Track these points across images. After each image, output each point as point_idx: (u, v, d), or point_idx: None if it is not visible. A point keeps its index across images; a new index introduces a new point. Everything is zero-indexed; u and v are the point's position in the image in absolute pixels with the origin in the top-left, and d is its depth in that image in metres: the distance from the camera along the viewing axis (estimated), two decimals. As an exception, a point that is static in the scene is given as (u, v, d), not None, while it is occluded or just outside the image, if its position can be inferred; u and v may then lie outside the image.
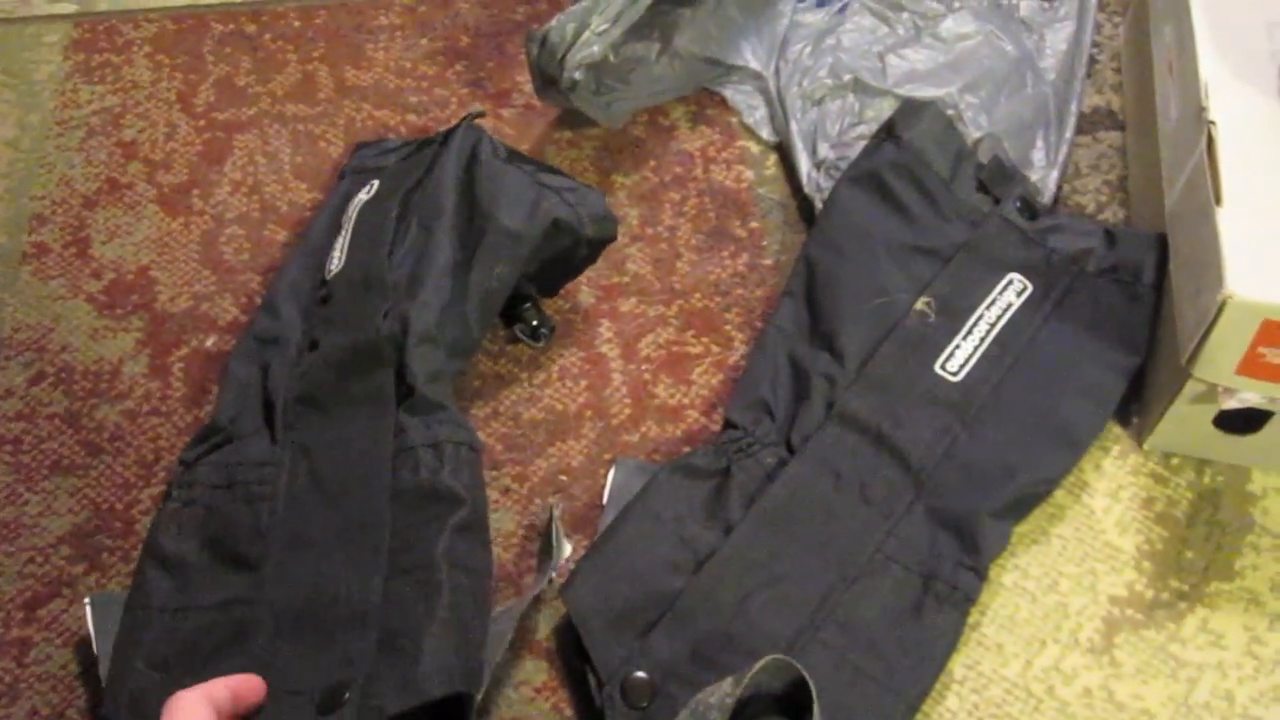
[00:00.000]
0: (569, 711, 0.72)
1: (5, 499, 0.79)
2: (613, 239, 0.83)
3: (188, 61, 1.00)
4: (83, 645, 0.73)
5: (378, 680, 0.65)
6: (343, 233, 0.81)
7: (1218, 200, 0.74)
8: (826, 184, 0.91)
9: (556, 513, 0.75)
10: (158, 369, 0.84)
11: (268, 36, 1.02)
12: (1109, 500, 0.80)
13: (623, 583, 0.72)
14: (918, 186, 0.87)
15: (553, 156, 0.94)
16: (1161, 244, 0.84)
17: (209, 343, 0.85)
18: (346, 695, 0.64)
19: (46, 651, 0.73)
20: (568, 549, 0.73)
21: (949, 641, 0.72)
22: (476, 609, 0.67)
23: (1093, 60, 1.01)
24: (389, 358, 0.75)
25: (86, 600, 0.70)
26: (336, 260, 0.80)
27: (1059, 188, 0.94)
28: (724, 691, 0.64)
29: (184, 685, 0.66)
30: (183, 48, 1.01)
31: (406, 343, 0.75)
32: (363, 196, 0.83)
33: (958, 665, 0.73)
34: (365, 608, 0.67)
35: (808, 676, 0.65)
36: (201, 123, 0.97)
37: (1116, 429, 0.83)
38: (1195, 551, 0.78)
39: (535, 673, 0.73)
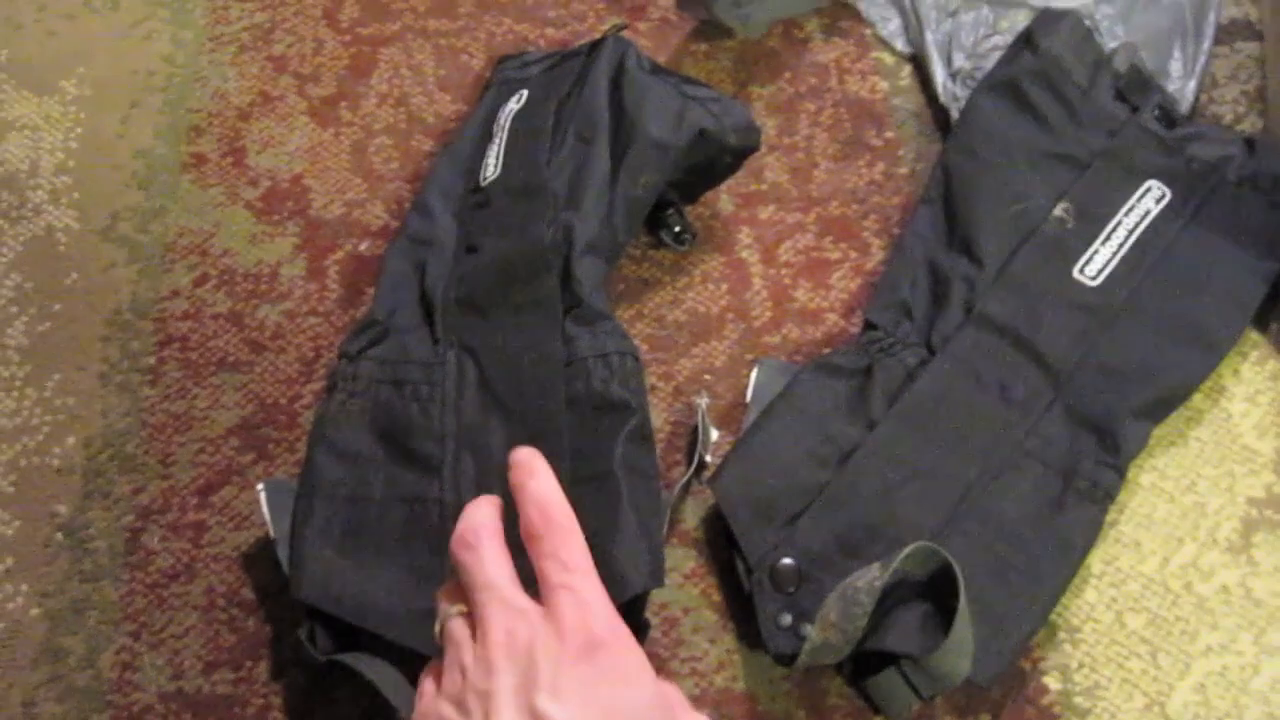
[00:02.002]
0: (717, 597, 0.74)
1: (176, 393, 0.83)
2: (756, 148, 0.84)
3: (331, -22, 1.03)
4: (255, 529, 0.77)
5: None
6: (495, 140, 0.84)
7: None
8: (963, 93, 0.92)
9: (704, 404, 0.77)
10: (314, 271, 0.87)
11: (408, -46, 1.04)
12: (1247, 404, 0.81)
13: (769, 474, 0.74)
14: (1055, 94, 0.88)
15: (690, 68, 0.96)
16: (1304, 151, 0.84)
17: (362, 247, 0.88)
18: None
19: (220, 535, 0.78)
20: (715, 435, 0.75)
21: (1089, 536, 0.73)
22: (653, 510, 0.71)
23: (1231, -30, 1.00)
24: (553, 265, 0.77)
25: (260, 485, 0.74)
26: (492, 167, 0.83)
27: (1196, 98, 0.93)
28: (872, 575, 0.67)
29: (366, 569, 0.70)
30: (326, -35, 1.04)
31: (572, 252, 0.77)
32: (513, 106, 0.86)
33: (1096, 561, 0.75)
34: None
35: (953, 562, 0.67)
36: (347, 37, 1.00)
37: (1255, 335, 0.83)
38: (1334, 456, 0.79)
39: (684, 560, 0.75)
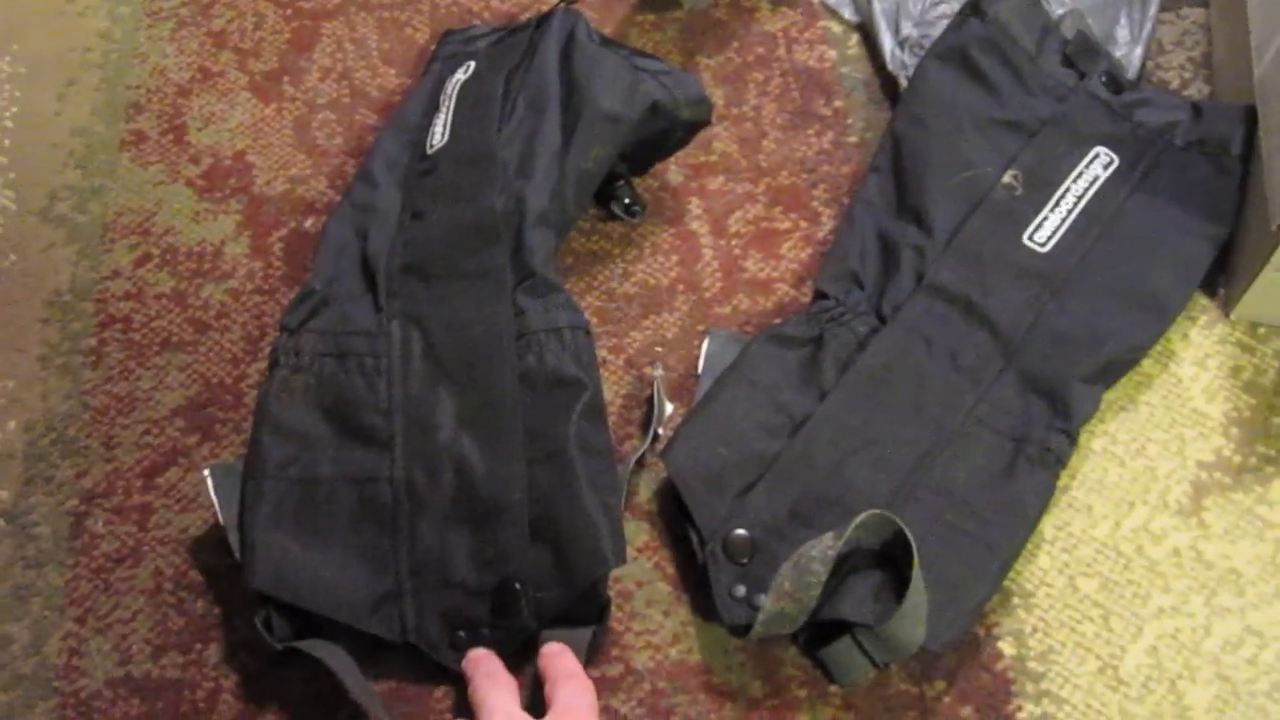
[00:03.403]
0: (671, 570, 0.74)
1: (119, 374, 0.81)
2: (708, 122, 0.84)
3: (272, -48, 1.01)
4: (201, 511, 0.76)
5: (538, 573, 0.68)
6: (442, 110, 0.83)
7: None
8: (911, 61, 0.91)
9: (659, 376, 0.77)
10: (259, 249, 0.86)
11: (349, -74, 1.02)
12: (1196, 368, 0.81)
13: (721, 445, 0.74)
14: (1003, 61, 0.88)
15: (636, 39, 0.95)
16: (1249, 116, 0.84)
17: (307, 223, 0.87)
18: (518, 588, 0.67)
19: (166, 517, 0.76)
20: (669, 409, 0.75)
21: (1041, 501, 0.73)
22: (611, 487, 0.70)
23: (1176, -64, 1.00)
24: (504, 234, 0.76)
25: (205, 470, 0.72)
26: (439, 135, 0.81)
27: (1143, 64, 0.93)
28: (825, 544, 0.67)
29: (319, 553, 0.69)
30: (266, -62, 1.02)
31: (524, 223, 0.76)
32: (460, 76, 0.85)
33: (1048, 526, 0.75)
34: (507, 496, 0.69)
35: (906, 530, 0.67)
36: (288, 11, 0.98)
37: (1203, 299, 0.83)
38: (1282, 417, 0.79)
39: (637, 534, 0.75)
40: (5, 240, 0.87)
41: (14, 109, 0.93)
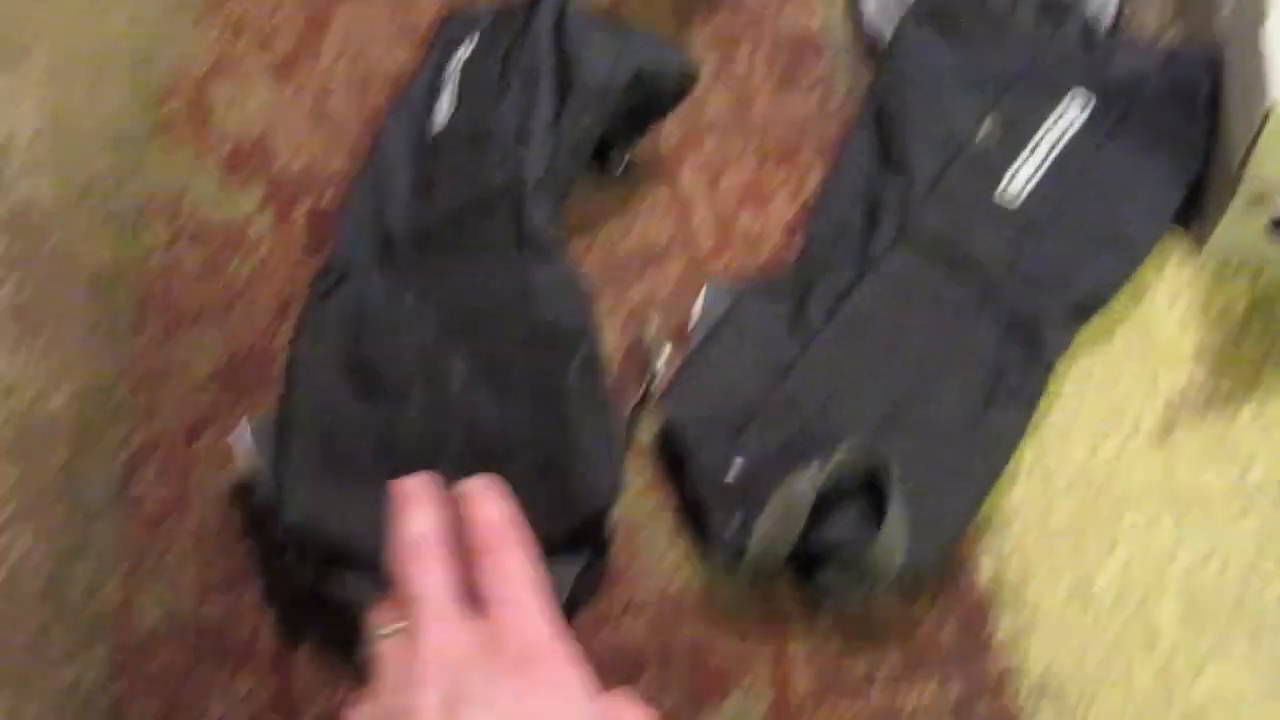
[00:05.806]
0: (671, 507, 0.79)
1: (158, 344, 0.87)
2: (692, 88, 0.88)
3: (285, -61, 1.06)
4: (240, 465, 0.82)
5: (540, 509, 0.73)
6: (445, 90, 0.88)
7: (1263, 14, 0.78)
8: (893, 19, 0.95)
9: (655, 322, 0.82)
10: (281, 224, 0.92)
11: (358, -89, 1.07)
12: (1168, 302, 0.85)
13: (715, 393, 0.79)
14: (980, 16, 0.92)
15: (633, 7, 1.00)
16: (1217, 60, 0.88)
17: (325, 198, 0.93)
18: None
19: (207, 474, 0.83)
20: (668, 349, 0.81)
21: (1016, 434, 0.78)
22: (608, 428, 0.76)
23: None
24: (505, 205, 0.82)
25: (242, 421, 0.78)
26: (443, 115, 0.87)
27: (1120, 11, 0.97)
28: (811, 472, 0.72)
29: (345, 499, 0.75)
30: (279, -75, 1.07)
31: (524, 192, 0.82)
32: (462, 54, 0.90)
33: (1025, 457, 0.80)
34: (513, 438, 0.75)
35: (887, 455, 0.72)
36: (302, -4, 1.03)
37: (1175, 236, 0.87)
38: (1251, 347, 0.83)
39: (639, 473, 0.80)
40: (48, 226, 0.93)
41: (51, 101, 0.99)
